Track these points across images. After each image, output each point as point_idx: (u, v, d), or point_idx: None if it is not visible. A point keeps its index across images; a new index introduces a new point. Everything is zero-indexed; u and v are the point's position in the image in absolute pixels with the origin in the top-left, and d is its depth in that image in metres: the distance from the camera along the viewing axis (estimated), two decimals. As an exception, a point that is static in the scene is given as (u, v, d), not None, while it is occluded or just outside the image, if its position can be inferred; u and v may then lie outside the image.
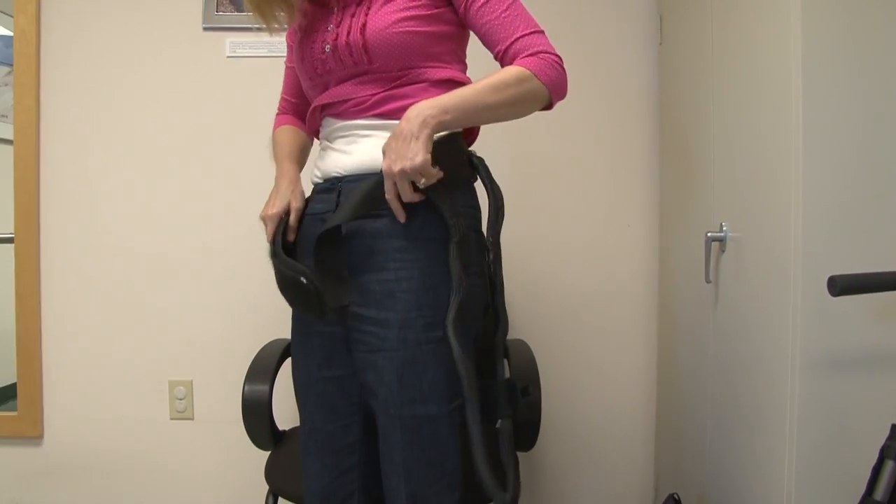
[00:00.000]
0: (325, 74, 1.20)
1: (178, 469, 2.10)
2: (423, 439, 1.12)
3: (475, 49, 1.24)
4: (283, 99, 1.42)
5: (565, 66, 1.16)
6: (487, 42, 1.17)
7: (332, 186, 1.19)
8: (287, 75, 1.40)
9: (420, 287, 1.11)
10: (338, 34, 1.17)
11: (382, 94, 1.16)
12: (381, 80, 1.16)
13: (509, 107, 1.13)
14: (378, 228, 1.13)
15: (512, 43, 1.14)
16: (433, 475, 1.14)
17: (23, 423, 2.07)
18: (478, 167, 1.19)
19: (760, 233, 1.38)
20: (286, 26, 1.30)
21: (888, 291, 1.10)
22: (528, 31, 1.15)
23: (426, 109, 1.07)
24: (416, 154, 1.05)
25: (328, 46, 1.18)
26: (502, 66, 1.16)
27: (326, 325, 1.19)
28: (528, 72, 1.12)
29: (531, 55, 1.13)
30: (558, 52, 1.15)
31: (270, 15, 1.26)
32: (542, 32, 1.16)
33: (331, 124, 1.22)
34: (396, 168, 1.05)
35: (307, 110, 1.28)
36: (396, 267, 1.12)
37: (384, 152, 1.08)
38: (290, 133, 1.36)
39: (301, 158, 1.35)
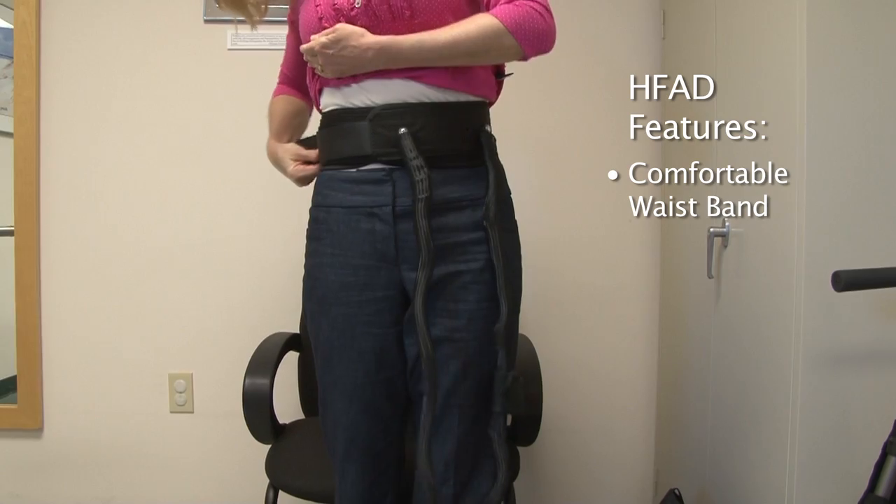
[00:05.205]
0: None
1: (178, 462, 2.10)
2: (478, 428, 1.13)
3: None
4: (281, 72, 1.39)
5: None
6: None
7: (385, 177, 1.14)
8: (287, 49, 1.37)
9: (489, 278, 1.13)
10: None
11: None
12: None
13: (474, 58, 1.11)
14: (445, 222, 1.13)
15: None
16: (485, 464, 1.15)
17: (23, 415, 2.07)
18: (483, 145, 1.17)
19: (763, 228, 1.37)
20: (262, 15, 1.31)
21: (892, 287, 1.09)
22: None
23: (383, 60, 1.09)
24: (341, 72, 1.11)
25: (359, 1, 1.12)
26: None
27: (377, 326, 1.17)
28: (499, 23, 1.08)
29: (509, 2, 1.10)
30: (547, 4, 1.12)
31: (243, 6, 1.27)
32: None
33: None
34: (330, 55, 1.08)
35: (303, 81, 1.26)
36: (467, 259, 1.12)
37: (326, 39, 1.08)
38: (281, 103, 1.35)
39: (288, 125, 1.34)
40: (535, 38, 1.11)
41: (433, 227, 1.11)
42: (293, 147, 1.29)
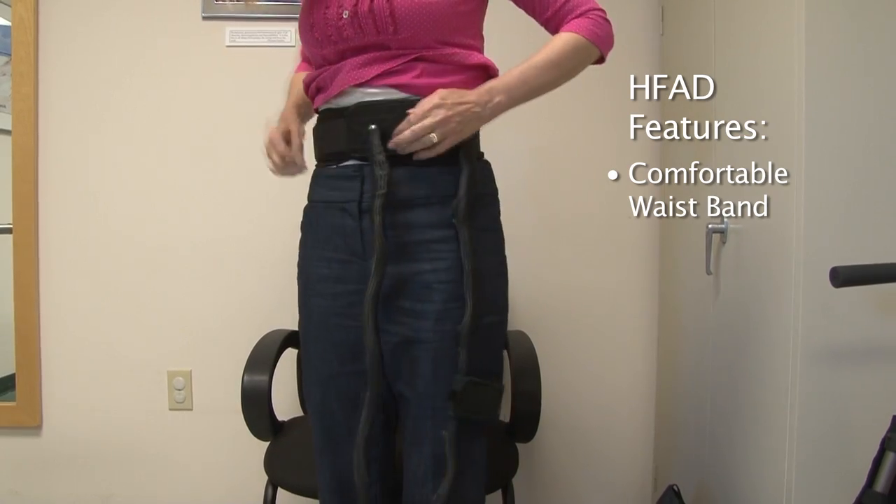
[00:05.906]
0: (341, 42, 1.13)
1: (177, 459, 2.10)
2: (455, 431, 1.11)
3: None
4: (300, 51, 1.40)
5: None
6: (532, 7, 1.19)
7: (355, 173, 1.14)
8: None
9: (459, 277, 1.11)
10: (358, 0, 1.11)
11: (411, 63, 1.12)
12: (405, 55, 1.12)
13: (567, 77, 1.17)
14: (411, 219, 1.12)
15: (562, 6, 1.17)
16: (464, 468, 1.13)
17: (22, 412, 2.07)
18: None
19: (762, 224, 1.37)
20: None
21: (890, 283, 1.10)
22: None
23: (500, 94, 1.11)
24: (460, 132, 1.09)
25: (346, 12, 1.11)
26: (550, 29, 1.18)
27: (350, 319, 1.16)
28: (581, 38, 1.15)
29: (580, 16, 1.16)
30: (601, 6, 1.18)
31: None
32: None
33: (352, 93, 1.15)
34: (437, 125, 1.08)
35: None
36: (433, 258, 1.11)
37: (436, 99, 1.08)
38: (299, 77, 1.33)
39: (304, 99, 1.30)
40: (608, 42, 1.19)
41: (398, 223, 1.11)
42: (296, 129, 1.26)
